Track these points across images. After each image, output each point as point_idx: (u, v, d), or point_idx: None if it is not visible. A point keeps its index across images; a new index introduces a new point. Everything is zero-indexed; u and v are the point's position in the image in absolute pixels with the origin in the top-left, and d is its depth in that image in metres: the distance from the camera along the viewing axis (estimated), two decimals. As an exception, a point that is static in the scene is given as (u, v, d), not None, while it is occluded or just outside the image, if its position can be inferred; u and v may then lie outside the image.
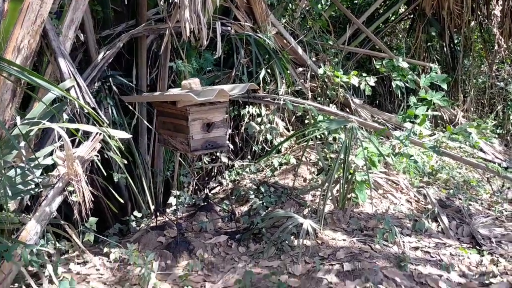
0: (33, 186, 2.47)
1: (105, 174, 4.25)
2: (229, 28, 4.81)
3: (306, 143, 4.16)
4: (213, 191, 4.49)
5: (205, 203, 3.79)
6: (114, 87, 4.16)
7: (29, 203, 2.89)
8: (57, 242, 2.92)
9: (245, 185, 4.17)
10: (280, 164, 4.40)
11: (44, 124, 2.25)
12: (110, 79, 4.15)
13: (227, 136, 3.17)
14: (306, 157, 4.54)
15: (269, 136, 4.78)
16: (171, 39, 4.14)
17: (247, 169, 4.46)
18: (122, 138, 2.59)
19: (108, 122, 2.76)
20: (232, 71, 4.80)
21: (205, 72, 4.59)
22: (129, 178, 4.08)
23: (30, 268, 2.80)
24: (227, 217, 3.57)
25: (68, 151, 2.28)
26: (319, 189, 3.87)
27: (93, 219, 2.73)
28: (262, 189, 3.93)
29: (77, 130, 2.49)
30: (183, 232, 3.42)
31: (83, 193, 2.42)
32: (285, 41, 5.43)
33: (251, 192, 3.89)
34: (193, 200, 4.05)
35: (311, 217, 3.48)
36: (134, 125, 4.31)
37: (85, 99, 2.44)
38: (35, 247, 2.27)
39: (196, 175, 4.70)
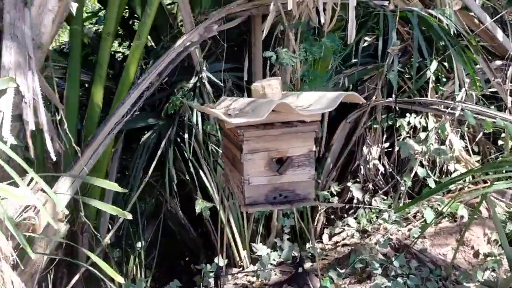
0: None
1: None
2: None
3: (483, 187, 2.41)
4: (335, 238, 3.08)
5: (299, 271, 2.44)
6: (207, 86, 3.10)
7: None
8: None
9: (375, 244, 2.65)
10: (441, 216, 2.73)
11: None
12: (204, 73, 3.11)
13: (314, 181, 1.76)
14: (488, 210, 2.76)
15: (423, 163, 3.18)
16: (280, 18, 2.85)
17: (385, 216, 2.90)
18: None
19: (53, 159, 1.65)
20: (383, 64, 3.29)
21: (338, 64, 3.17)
22: (221, 211, 3.02)
23: None
24: (322, 307, 2.17)
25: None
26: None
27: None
28: (396, 263, 2.37)
29: None
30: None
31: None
32: (475, 20, 3.66)
33: (376, 264, 2.37)
34: (293, 254, 2.74)
35: None
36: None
37: (26, 114, 1.38)
38: None
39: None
